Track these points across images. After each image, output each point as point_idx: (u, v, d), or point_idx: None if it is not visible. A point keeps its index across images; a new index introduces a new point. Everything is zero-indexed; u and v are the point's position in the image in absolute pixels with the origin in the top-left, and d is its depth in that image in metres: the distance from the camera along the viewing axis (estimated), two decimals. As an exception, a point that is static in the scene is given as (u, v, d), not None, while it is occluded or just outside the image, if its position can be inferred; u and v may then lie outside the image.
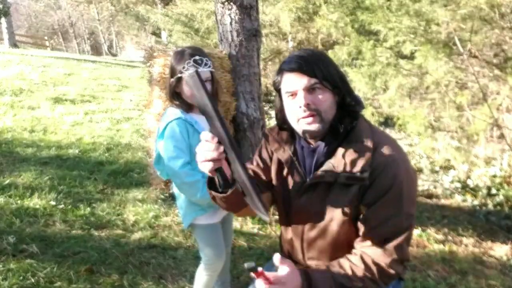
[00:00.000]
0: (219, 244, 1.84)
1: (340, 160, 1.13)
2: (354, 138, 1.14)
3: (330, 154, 1.16)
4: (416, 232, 3.39)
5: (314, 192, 1.20)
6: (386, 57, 4.57)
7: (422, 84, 4.55)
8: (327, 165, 1.15)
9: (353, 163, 1.11)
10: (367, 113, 5.20)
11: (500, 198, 4.02)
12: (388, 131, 6.96)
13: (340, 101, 1.15)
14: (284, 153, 1.28)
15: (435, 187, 4.51)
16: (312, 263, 1.30)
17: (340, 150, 1.14)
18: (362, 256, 1.14)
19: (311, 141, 1.20)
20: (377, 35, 4.55)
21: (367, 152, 1.11)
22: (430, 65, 4.10)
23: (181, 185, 1.70)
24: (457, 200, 4.26)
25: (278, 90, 1.20)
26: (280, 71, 1.17)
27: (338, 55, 4.91)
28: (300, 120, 1.14)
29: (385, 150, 1.12)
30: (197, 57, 1.63)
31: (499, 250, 3.31)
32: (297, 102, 1.13)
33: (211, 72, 1.71)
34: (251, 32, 3.45)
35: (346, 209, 1.15)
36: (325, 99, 1.13)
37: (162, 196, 3.40)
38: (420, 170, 5.00)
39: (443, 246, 3.24)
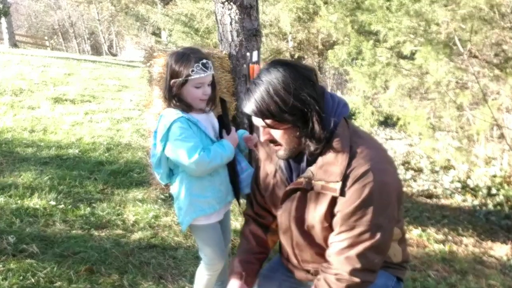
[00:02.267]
0: (219, 244, 1.83)
1: (318, 168, 1.15)
2: (333, 147, 1.13)
3: (313, 160, 1.18)
4: (416, 232, 3.40)
5: (295, 198, 1.23)
6: (386, 57, 4.57)
7: (422, 84, 4.55)
8: (307, 173, 1.17)
9: (328, 172, 1.12)
10: (367, 112, 5.21)
11: (500, 198, 4.03)
12: (388, 130, 6.97)
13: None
14: (271, 163, 1.32)
15: (435, 187, 4.52)
16: (308, 266, 1.31)
17: (320, 159, 1.15)
18: (325, 279, 1.15)
19: None
20: (377, 35, 4.55)
21: (342, 162, 1.11)
22: (431, 65, 4.10)
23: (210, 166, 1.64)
24: (457, 200, 4.26)
25: None
26: None
27: (338, 55, 4.92)
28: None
29: (361, 160, 1.10)
30: (204, 61, 1.65)
31: (499, 250, 3.31)
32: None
33: (212, 75, 1.71)
34: (251, 32, 3.45)
35: (323, 216, 1.16)
36: (276, 133, 1.17)
37: (162, 196, 3.40)
38: (420, 170, 5.01)
39: (443, 246, 3.24)
